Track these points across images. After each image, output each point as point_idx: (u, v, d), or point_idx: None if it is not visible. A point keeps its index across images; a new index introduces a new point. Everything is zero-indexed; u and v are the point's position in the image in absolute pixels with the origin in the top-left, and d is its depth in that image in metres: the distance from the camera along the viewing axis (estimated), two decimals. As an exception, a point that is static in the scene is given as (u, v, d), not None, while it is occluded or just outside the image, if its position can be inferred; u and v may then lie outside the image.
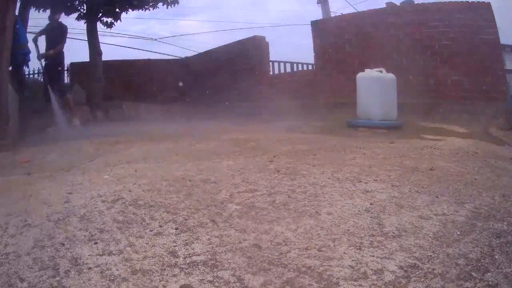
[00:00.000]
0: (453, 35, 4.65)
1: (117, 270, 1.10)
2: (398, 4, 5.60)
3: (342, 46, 5.53)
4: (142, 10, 7.09)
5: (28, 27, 5.67)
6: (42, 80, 6.22)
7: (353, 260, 1.12)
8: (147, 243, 1.26)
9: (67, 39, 5.82)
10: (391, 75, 3.78)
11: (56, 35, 5.64)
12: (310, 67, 7.44)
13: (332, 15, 9.23)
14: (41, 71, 6.75)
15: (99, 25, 7.01)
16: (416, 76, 4.66)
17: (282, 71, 7.25)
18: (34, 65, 9.12)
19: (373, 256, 1.14)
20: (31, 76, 8.69)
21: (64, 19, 6.34)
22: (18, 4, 4.95)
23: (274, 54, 7.18)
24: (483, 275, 1.05)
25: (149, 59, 8.74)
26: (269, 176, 1.94)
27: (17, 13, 4.54)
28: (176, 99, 7.44)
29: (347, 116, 3.89)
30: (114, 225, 1.40)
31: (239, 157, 2.38)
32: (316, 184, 1.80)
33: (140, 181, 1.91)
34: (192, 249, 1.21)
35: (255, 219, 1.43)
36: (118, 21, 7.12)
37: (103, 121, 6.30)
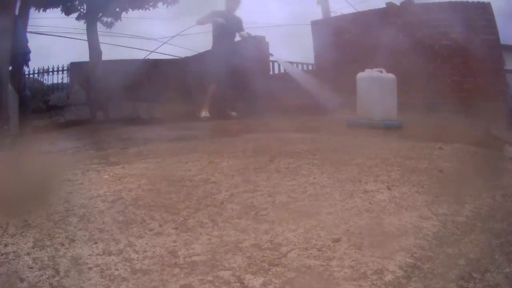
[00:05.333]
0: (453, 35, 4.65)
1: (117, 270, 1.10)
2: (398, 4, 5.59)
3: (342, 46, 5.51)
4: (142, 10, 7.09)
5: (28, 27, 5.66)
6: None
7: (353, 260, 1.12)
8: (147, 243, 1.26)
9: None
10: (391, 75, 3.77)
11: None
12: (310, 67, 7.43)
13: (332, 15, 9.22)
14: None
15: (99, 25, 7.00)
16: (416, 76, 4.65)
17: (282, 71, 7.24)
18: (34, 64, 9.15)
19: (373, 256, 1.14)
20: (31, 76, 8.70)
21: (64, 19, 6.34)
22: (18, 4, 4.94)
23: (274, 54, 7.14)
24: (483, 275, 1.05)
25: (149, 59, 8.73)
26: (269, 176, 1.94)
27: (17, 13, 4.54)
28: (176, 99, 7.43)
29: (347, 116, 3.89)
30: (114, 225, 1.40)
31: (239, 157, 2.38)
32: (316, 184, 1.80)
33: (140, 181, 1.91)
34: (192, 249, 1.21)
35: (255, 219, 1.43)
36: (118, 20, 7.12)
37: (103, 121, 6.30)
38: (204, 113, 5.35)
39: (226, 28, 5.29)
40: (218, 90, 5.47)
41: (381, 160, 2.20)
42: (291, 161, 2.22)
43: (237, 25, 5.57)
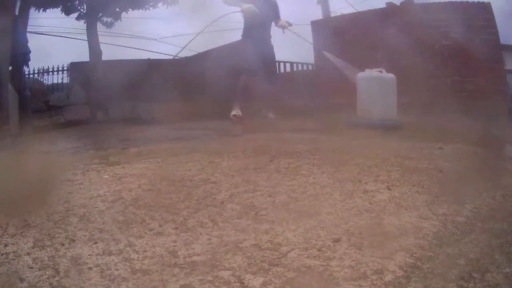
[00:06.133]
0: (453, 35, 4.65)
1: (117, 270, 1.10)
2: (398, 4, 5.59)
3: (342, 46, 5.51)
4: (142, 10, 7.10)
5: (28, 27, 5.67)
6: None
7: (353, 260, 1.12)
8: (147, 243, 1.26)
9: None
10: (391, 75, 3.77)
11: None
12: (310, 67, 7.43)
13: (332, 15, 9.22)
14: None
15: (99, 25, 7.02)
16: (416, 76, 4.65)
17: (282, 71, 7.25)
18: (34, 64, 9.17)
19: (373, 256, 1.14)
20: (31, 76, 8.70)
21: (63, 19, 6.33)
22: (18, 4, 4.95)
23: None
24: (483, 275, 1.05)
25: (149, 59, 8.73)
26: (269, 176, 1.94)
27: (17, 13, 4.54)
28: (176, 99, 7.44)
29: (347, 116, 3.89)
30: (114, 225, 1.40)
31: (239, 157, 2.38)
32: (316, 184, 1.79)
33: (140, 181, 1.91)
34: (192, 249, 1.21)
35: (255, 219, 1.43)
36: (118, 20, 7.13)
37: (103, 121, 6.30)
38: (235, 112, 4.23)
39: (259, 16, 4.36)
40: (247, 84, 4.47)
41: (381, 160, 2.20)
42: (291, 161, 2.21)
43: (273, 10, 4.59)
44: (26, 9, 5.65)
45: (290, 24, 4.53)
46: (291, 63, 7.58)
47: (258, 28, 4.45)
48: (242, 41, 4.68)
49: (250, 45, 4.42)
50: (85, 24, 6.93)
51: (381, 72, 3.73)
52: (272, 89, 4.63)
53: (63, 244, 1.25)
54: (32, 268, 1.12)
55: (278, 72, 4.84)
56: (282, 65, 7.32)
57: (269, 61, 4.54)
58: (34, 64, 9.44)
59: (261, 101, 4.69)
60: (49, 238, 1.30)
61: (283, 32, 4.59)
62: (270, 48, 4.60)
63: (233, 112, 4.18)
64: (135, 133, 3.91)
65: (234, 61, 4.80)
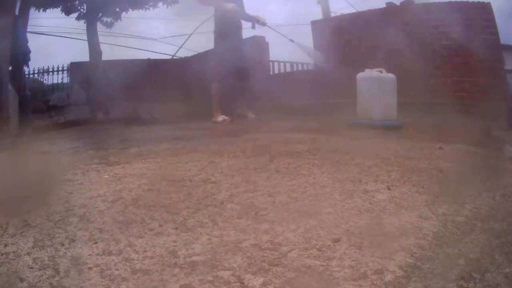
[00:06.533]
0: (453, 35, 4.65)
1: (117, 270, 1.10)
2: (398, 4, 5.59)
3: (342, 46, 5.51)
4: (142, 10, 7.10)
5: (28, 27, 5.68)
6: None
7: (353, 260, 1.12)
8: (147, 243, 1.26)
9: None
10: (391, 75, 3.77)
11: None
12: (310, 67, 7.43)
13: (332, 15, 9.23)
14: None
15: (99, 25, 7.03)
16: (416, 76, 4.65)
17: (282, 71, 7.25)
18: (34, 64, 9.18)
19: (373, 256, 1.14)
20: (31, 76, 8.71)
21: (64, 19, 6.33)
22: (18, 4, 4.95)
23: (274, 54, 7.15)
24: (483, 275, 1.05)
25: (149, 59, 8.74)
26: (269, 176, 1.94)
27: (17, 13, 4.55)
28: (177, 99, 7.45)
29: (347, 116, 3.89)
30: (114, 225, 1.40)
31: (239, 157, 2.38)
32: (316, 184, 1.79)
33: (140, 181, 1.91)
34: (192, 249, 1.21)
35: (255, 219, 1.43)
36: (119, 20, 7.14)
37: (103, 121, 6.30)
38: (221, 118, 4.50)
39: (235, 16, 4.32)
40: (223, 90, 4.62)
41: (381, 160, 2.20)
42: (291, 161, 2.21)
43: (242, 9, 4.56)
44: (26, 9, 5.65)
45: (264, 19, 4.60)
46: (291, 63, 7.58)
47: (235, 29, 4.48)
48: (218, 46, 4.62)
49: (226, 50, 4.39)
50: (85, 24, 6.94)
51: (381, 72, 3.73)
52: (249, 89, 4.77)
53: (63, 244, 1.25)
54: (32, 268, 1.12)
55: (252, 70, 4.82)
56: (282, 65, 7.32)
57: (243, 62, 4.58)
58: (34, 64, 9.47)
59: (239, 102, 4.87)
60: (49, 238, 1.30)
61: (253, 28, 4.67)
62: (244, 47, 4.69)
63: (220, 119, 4.49)
64: (135, 133, 3.91)
65: (208, 67, 4.84)
